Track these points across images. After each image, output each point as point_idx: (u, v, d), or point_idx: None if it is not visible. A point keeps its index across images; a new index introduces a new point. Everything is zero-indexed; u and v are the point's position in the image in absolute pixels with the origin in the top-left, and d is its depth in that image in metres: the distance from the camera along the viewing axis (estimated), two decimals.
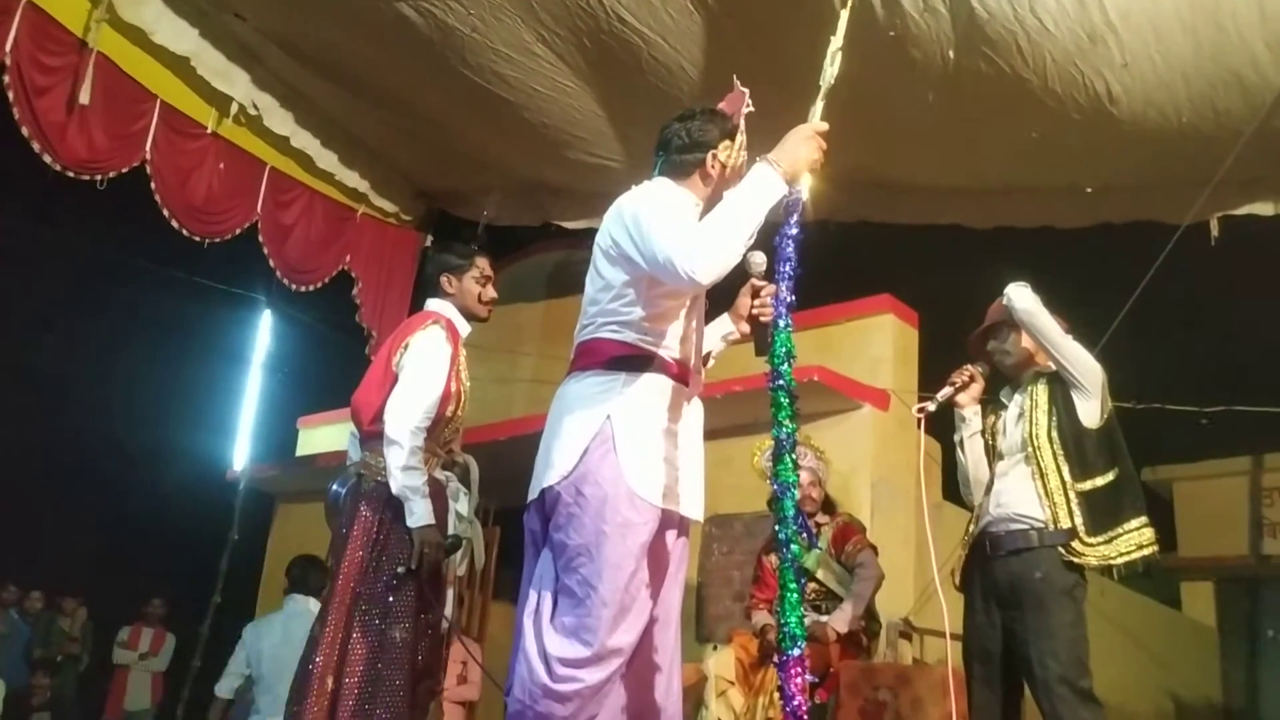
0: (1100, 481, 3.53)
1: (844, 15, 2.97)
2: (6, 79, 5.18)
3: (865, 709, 4.57)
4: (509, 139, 6.47)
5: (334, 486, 3.75)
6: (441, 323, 3.59)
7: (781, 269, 2.69)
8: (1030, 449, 3.60)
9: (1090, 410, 3.58)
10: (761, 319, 2.75)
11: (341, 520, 3.57)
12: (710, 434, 7.10)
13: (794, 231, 2.70)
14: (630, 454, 2.60)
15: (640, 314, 2.66)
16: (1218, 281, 6.31)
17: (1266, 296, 6.40)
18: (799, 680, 2.34)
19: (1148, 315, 5.33)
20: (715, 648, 5.33)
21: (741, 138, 2.82)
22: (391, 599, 3.36)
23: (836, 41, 2.92)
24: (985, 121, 5.36)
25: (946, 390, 3.82)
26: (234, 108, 6.22)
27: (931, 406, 3.80)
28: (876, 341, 6.98)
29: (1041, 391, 3.67)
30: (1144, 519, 3.53)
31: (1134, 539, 3.48)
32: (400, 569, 3.33)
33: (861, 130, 5.32)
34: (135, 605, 9.87)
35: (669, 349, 2.72)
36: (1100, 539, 3.47)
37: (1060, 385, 3.63)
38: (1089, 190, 5.79)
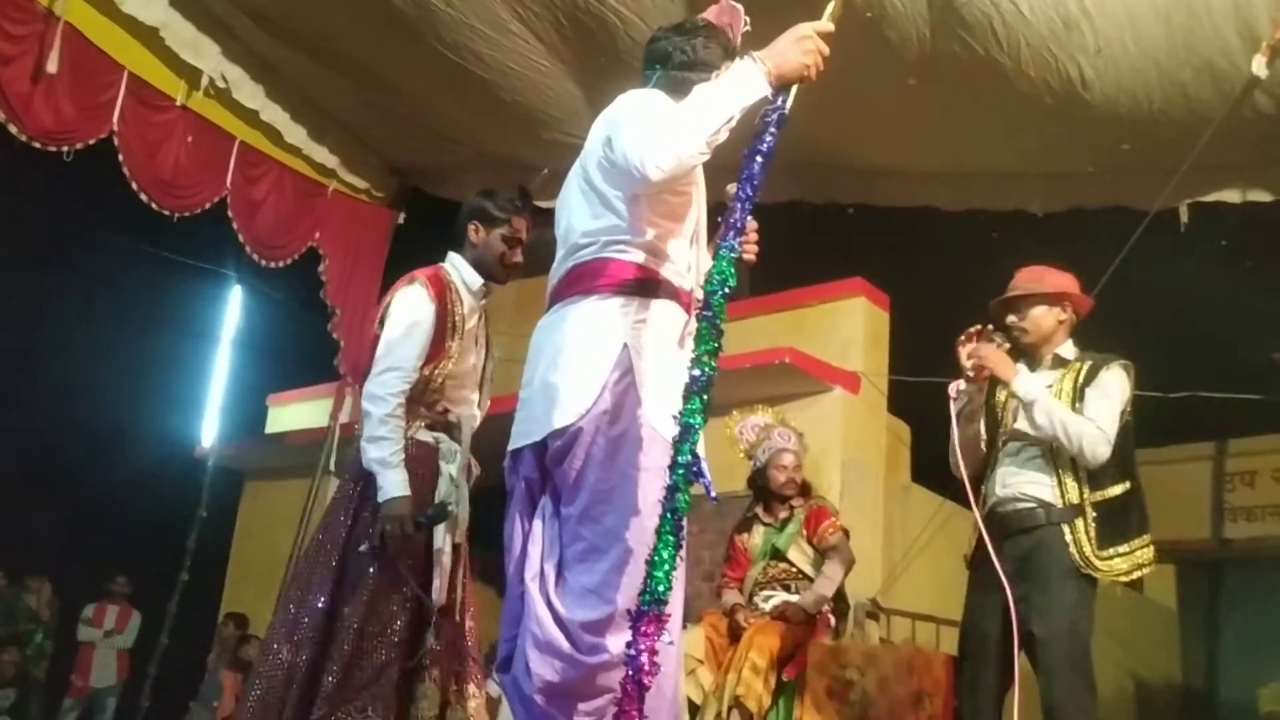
0: (1113, 491, 3.47)
1: None
2: None
3: (832, 688, 4.60)
4: (484, 117, 6.43)
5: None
6: (421, 279, 3.39)
7: (742, 190, 2.27)
8: (1051, 446, 3.51)
9: None
10: (744, 256, 2.43)
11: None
12: None
13: (764, 147, 2.27)
14: (652, 388, 2.32)
15: (649, 234, 2.39)
16: (1186, 267, 6.36)
17: (1233, 283, 6.49)
18: (649, 640, 2.06)
19: (1117, 300, 5.38)
20: (685, 627, 5.35)
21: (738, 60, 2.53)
22: (371, 573, 3.21)
23: None
24: (959, 104, 5.38)
25: (968, 385, 3.68)
26: (204, 80, 6.12)
27: (963, 385, 3.69)
28: (847, 324, 7.01)
29: (1067, 388, 3.56)
30: (1148, 536, 3.49)
31: (1138, 558, 3.45)
32: (363, 546, 3.19)
33: (834, 111, 5.32)
34: (101, 582, 9.82)
35: (680, 275, 2.47)
36: (1108, 553, 3.42)
37: (1086, 384, 3.54)
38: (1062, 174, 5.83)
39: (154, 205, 6.08)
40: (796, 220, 6.62)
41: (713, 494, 2.25)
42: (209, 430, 9.58)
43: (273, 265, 7.04)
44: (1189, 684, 10.11)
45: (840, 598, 5.06)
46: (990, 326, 3.72)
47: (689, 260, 2.51)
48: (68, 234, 9.77)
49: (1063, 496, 3.45)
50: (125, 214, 6.51)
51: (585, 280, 2.42)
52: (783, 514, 5.06)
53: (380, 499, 3.18)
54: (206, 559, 8.50)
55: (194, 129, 6.25)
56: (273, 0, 5.91)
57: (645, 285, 2.40)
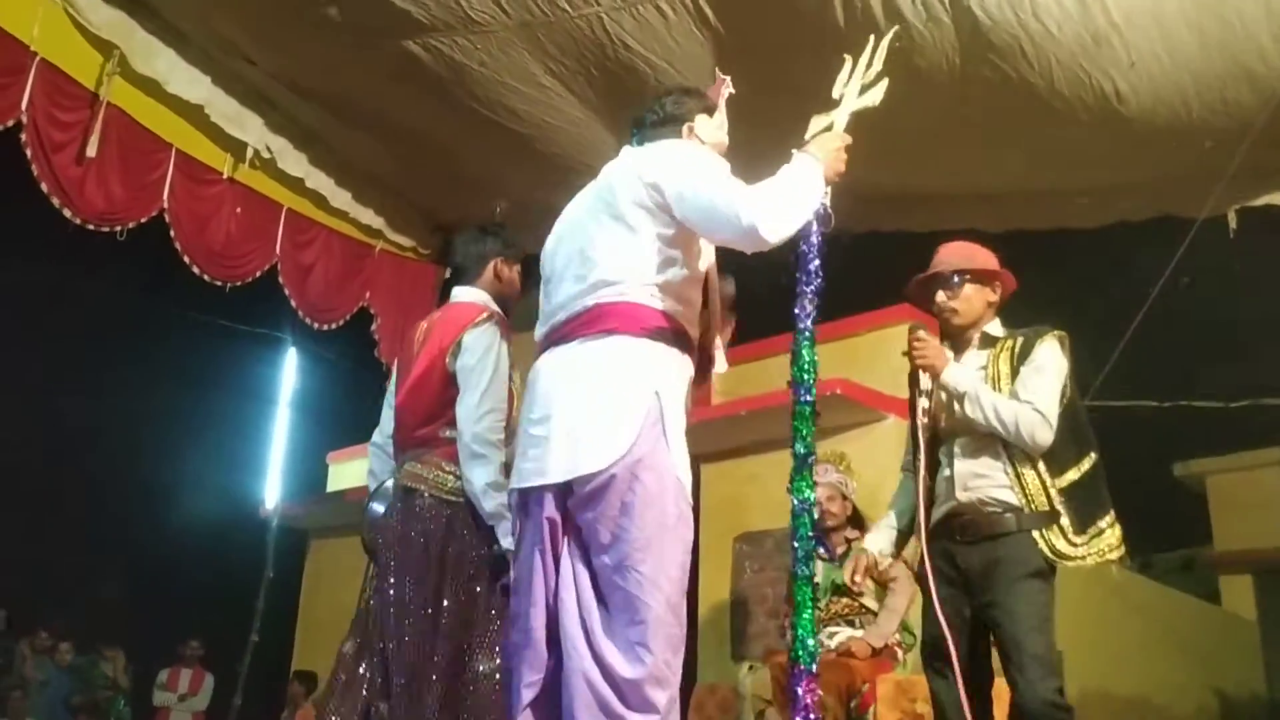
0: (1077, 473, 3.22)
1: (885, 40, 2.92)
2: (24, 136, 5.26)
3: None
4: (521, 168, 6.52)
5: (373, 505, 3.43)
6: (495, 318, 3.24)
7: (805, 281, 2.57)
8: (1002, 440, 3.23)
9: None
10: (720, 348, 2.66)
11: (391, 543, 3.22)
12: (737, 451, 7.09)
13: (818, 241, 2.61)
14: (676, 440, 2.35)
15: (677, 280, 2.44)
16: (1238, 273, 6.27)
17: None
18: (812, 695, 2.34)
19: (1170, 311, 5.32)
20: (751, 667, 5.32)
21: (721, 117, 2.74)
22: (473, 630, 3.06)
23: (875, 67, 2.87)
24: (994, 126, 5.37)
25: (924, 402, 3.37)
26: (249, 152, 6.29)
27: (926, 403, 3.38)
28: (897, 351, 6.91)
29: (1004, 369, 3.27)
30: (1113, 514, 3.23)
31: (1110, 539, 3.19)
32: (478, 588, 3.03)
33: (870, 140, 5.31)
34: (173, 647, 9.96)
35: (692, 324, 2.52)
36: (1090, 532, 3.18)
37: (1020, 361, 3.25)
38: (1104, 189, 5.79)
39: (206, 276, 6.22)
40: (838, 251, 6.61)
41: (835, 559, 2.50)
42: (272, 491, 9.71)
43: (325, 327, 7.16)
44: (1276, 696, 9.82)
45: (906, 630, 4.99)
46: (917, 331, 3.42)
47: (698, 311, 2.58)
48: (126, 309, 10.01)
49: (1028, 498, 3.19)
50: (180, 285, 6.66)
51: (611, 320, 2.40)
52: (840, 549, 5.01)
53: (510, 546, 2.88)
54: (275, 619, 8.59)
55: (242, 200, 6.40)
56: (310, 70, 6.05)
57: (671, 334, 2.42)
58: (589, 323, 2.42)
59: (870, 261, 7.08)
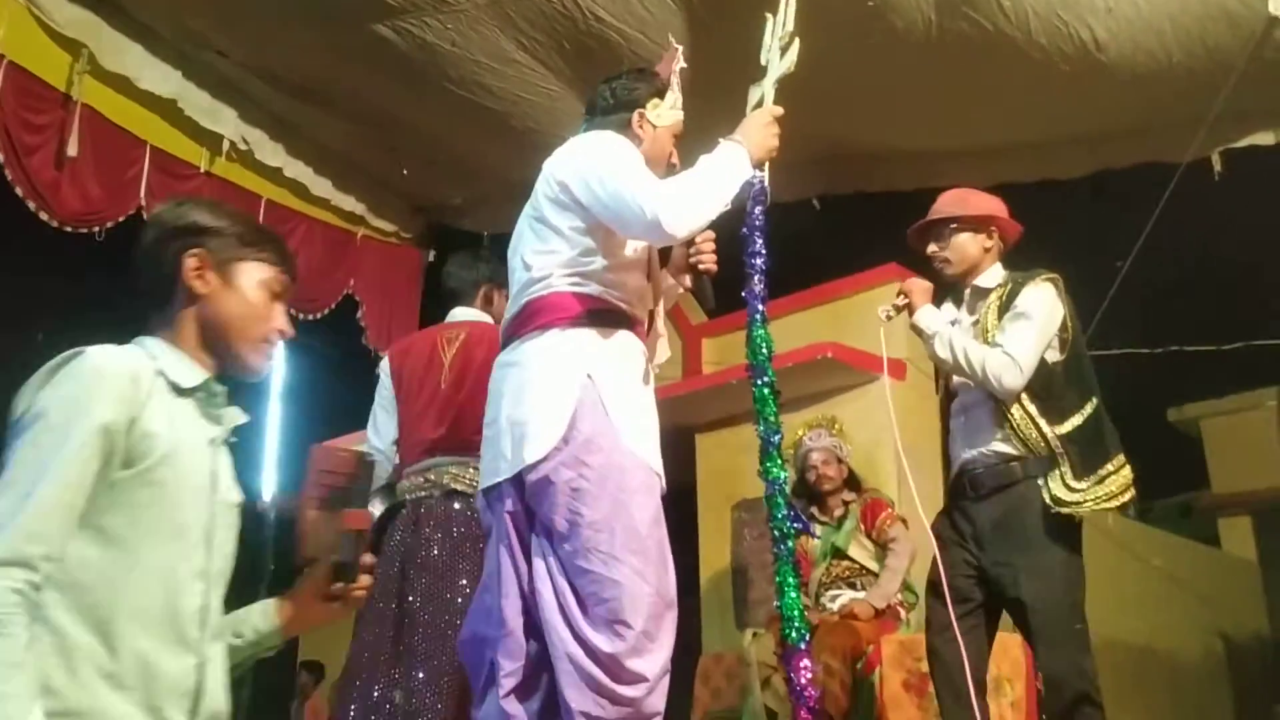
0: (1079, 418, 3.11)
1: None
2: None
3: (909, 681, 4.56)
4: (499, 147, 6.46)
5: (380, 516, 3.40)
6: None
7: (752, 262, 2.60)
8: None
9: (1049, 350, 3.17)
10: (700, 266, 2.63)
11: (433, 539, 3.24)
12: (731, 419, 7.07)
13: (760, 221, 2.64)
14: (622, 416, 2.41)
15: (602, 264, 2.48)
16: (1225, 216, 6.25)
17: (1274, 226, 6.36)
18: (807, 673, 2.36)
19: (1158, 257, 5.30)
20: (755, 634, 5.33)
21: (674, 96, 2.72)
22: None
23: (786, 26, 2.81)
24: (974, 81, 5.34)
25: (888, 309, 3.40)
26: (225, 145, 6.21)
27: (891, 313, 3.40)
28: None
29: (993, 319, 3.20)
30: (1120, 460, 3.12)
31: (1125, 476, 3.09)
32: None
33: (850, 102, 5.30)
34: None
35: (632, 305, 2.56)
36: (1092, 479, 3.06)
37: (1007, 308, 3.18)
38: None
39: None
40: (824, 213, 6.59)
41: (816, 534, 2.54)
42: (268, 484, 9.69)
43: (311, 317, 7.11)
44: (1279, 637, 9.90)
45: (908, 589, 5.01)
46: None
47: (641, 288, 2.61)
48: (111, 307, 9.94)
49: (1028, 447, 3.09)
50: None
51: (542, 315, 2.47)
52: (838, 512, 5.01)
53: None
54: None
55: (220, 193, 6.30)
56: (281, 59, 5.98)
57: (602, 316, 2.48)
58: (524, 322, 2.51)
59: (857, 223, 7.07)
